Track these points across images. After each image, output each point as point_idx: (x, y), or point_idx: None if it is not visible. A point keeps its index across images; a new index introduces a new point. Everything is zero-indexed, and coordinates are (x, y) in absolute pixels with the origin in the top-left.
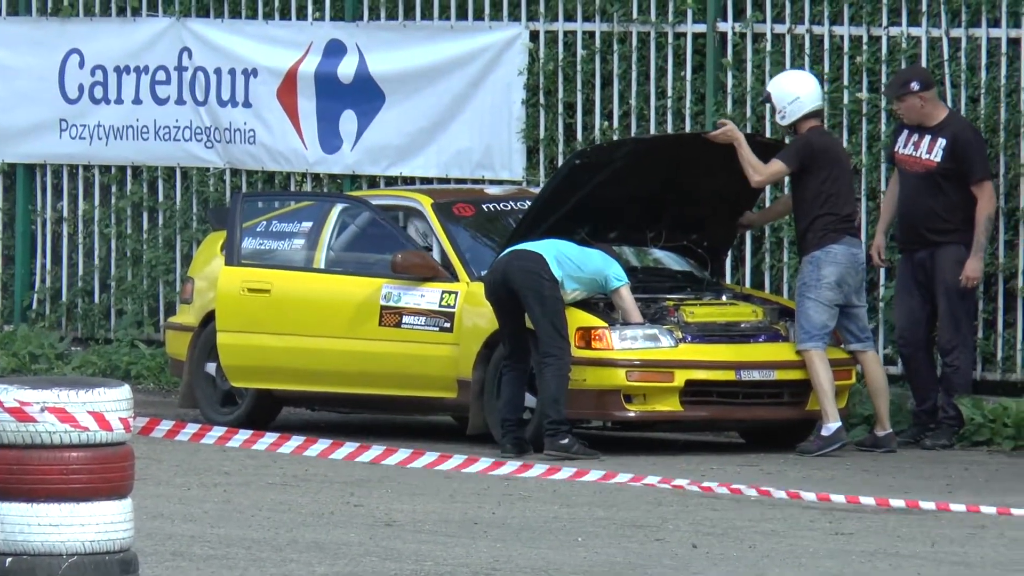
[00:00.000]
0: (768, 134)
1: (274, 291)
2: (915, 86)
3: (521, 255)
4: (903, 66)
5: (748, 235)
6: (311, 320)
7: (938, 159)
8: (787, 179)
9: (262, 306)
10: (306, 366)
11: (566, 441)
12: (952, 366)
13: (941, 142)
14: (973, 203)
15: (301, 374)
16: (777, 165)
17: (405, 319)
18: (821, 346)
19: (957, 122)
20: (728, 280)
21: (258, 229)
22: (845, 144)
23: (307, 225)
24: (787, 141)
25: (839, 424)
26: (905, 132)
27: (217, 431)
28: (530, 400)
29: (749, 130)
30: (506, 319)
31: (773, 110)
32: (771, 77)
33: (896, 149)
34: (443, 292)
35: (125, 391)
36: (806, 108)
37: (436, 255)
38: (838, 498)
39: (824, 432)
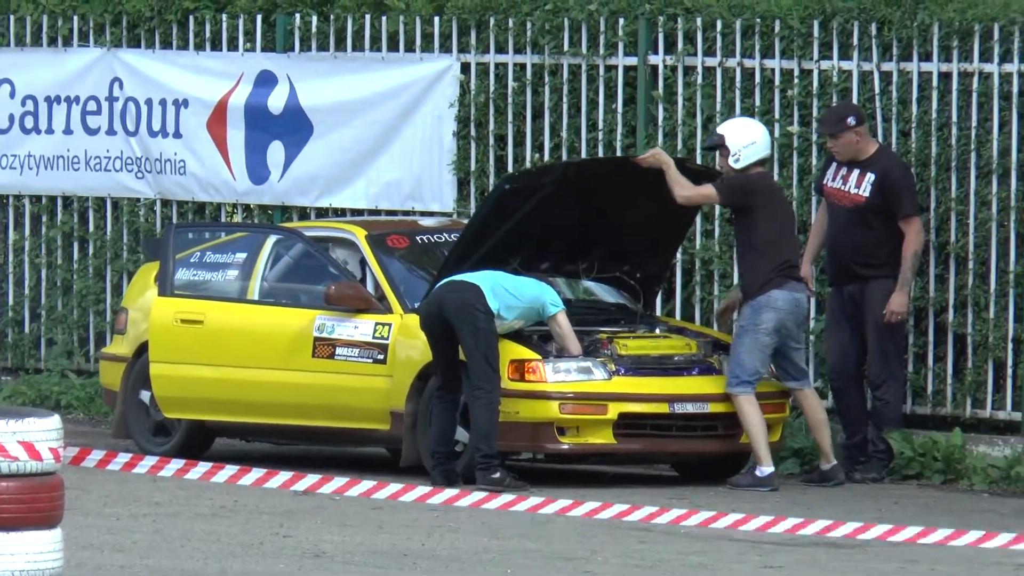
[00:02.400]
0: None
1: (207, 322)
2: (851, 121)
3: (457, 286)
4: (835, 100)
5: (679, 267)
6: (244, 351)
7: (867, 194)
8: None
9: (195, 337)
10: (239, 397)
11: (498, 475)
12: (882, 400)
13: (870, 177)
14: (902, 238)
15: (234, 405)
16: (708, 189)
17: (338, 351)
18: (750, 391)
19: (887, 157)
20: (658, 313)
21: (192, 260)
22: (776, 178)
23: (241, 256)
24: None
25: (773, 469)
26: (834, 165)
27: (148, 461)
28: (462, 434)
29: None
30: (440, 350)
31: (716, 152)
32: (702, 110)
33: (825, 182)
34: (376, 324)
35: (55, 421)
36: (761, 154)
37: (370, 287)
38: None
39: (758, 473)
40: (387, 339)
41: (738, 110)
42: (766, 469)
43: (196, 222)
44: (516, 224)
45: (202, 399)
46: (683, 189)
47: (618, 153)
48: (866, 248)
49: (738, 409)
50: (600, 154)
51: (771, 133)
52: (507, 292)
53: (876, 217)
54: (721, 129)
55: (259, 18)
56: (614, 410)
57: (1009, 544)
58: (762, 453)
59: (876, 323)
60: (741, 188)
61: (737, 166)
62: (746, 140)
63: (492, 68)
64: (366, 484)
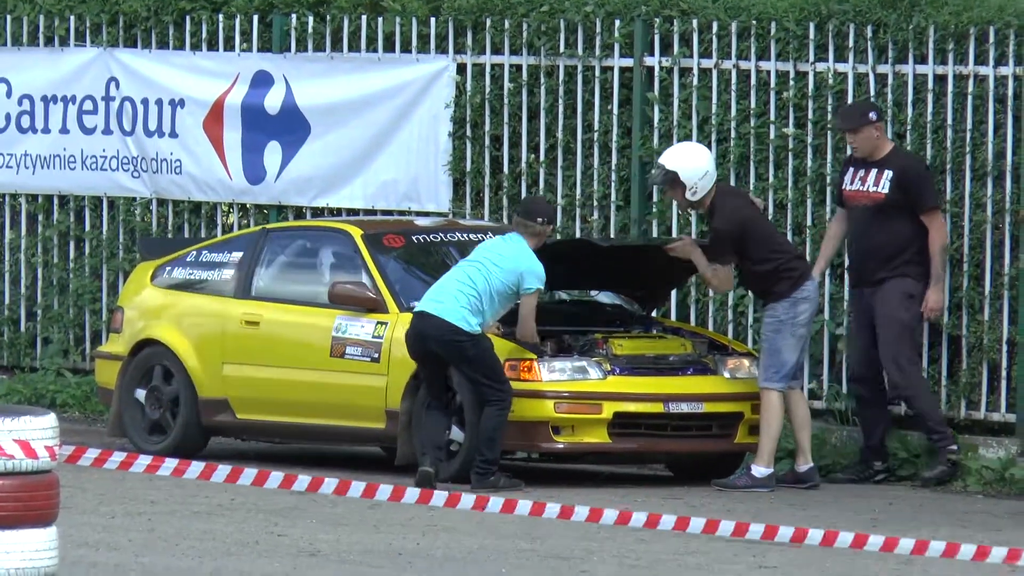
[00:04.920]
0: None
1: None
2: (872, 116)
3: (434, 323)
4: (830, 102)
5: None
6: (262, 350)
7: (886, 190)
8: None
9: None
10: (268, 396)
11: (492, 478)
12: (908, 398)
13: (888, 174)
14: (921, 236)
15: (262, 404)
16: (724, 271)
17: (348, 350)
18: (784, 387)
19: (903, 154)
20: (654, 314)
21: (197, 259)
22: (771, 179)
23: (238, 255)
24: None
25: (771, 471)
26: (851, 170)
27: (144, 459)
28: (457, 434)
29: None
30: (428, 370)
31: (668, 187)
32: (698, 112)
33: (844, 187)
34: (377, 323)
35: (51, 419)
36: (713, 178)
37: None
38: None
39: (755, 472)
40: (382, 338)
41: (733, 111)
42: (765, 470)
43: (287, 225)
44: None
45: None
46: (720, 283)
47: (613, 154)
48: (886, 247)
49: (766, 403)
50: (595, 155)
51: (767, 134)
52: (480, 302)
53: (896, 214)
54: (670, 164)
55: (255, 18)
56: (609, 409)
57: (1007, 561)
58: (767, 452)
59: (885, 326)
60: (729, 241)
61: (695, 199)
62: (699, 172)
63: (488, 69)
64: (360, 486)
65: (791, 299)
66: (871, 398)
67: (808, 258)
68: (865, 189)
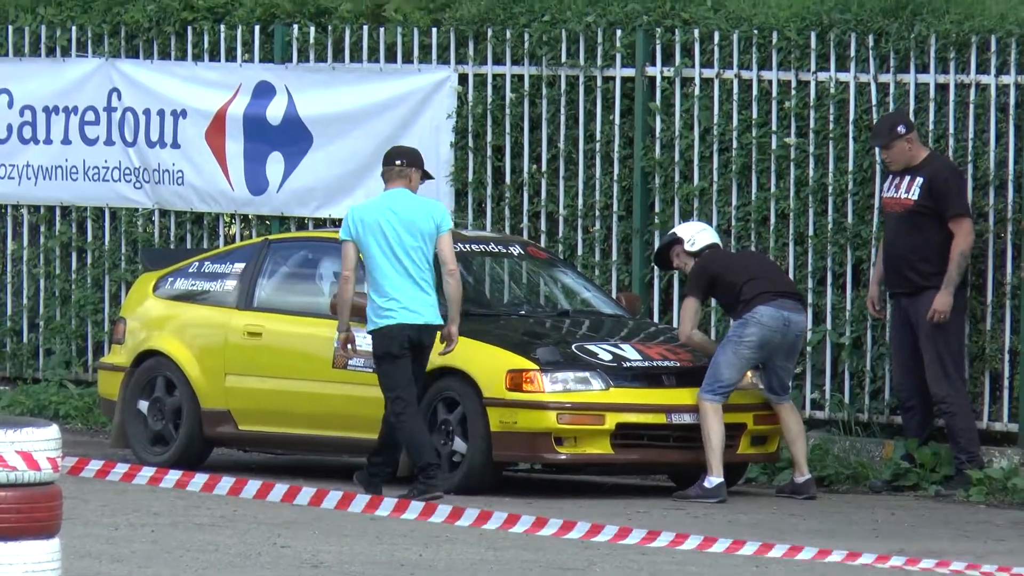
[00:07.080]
0: (697, 178)
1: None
2: (901, 129)
3: (430, 331)
4: (832, 111)
5: (676, 279)
6: (264, 361)
7: (915, 197)
8: None
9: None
10: (279, 408)
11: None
12: (948, 412)
13: (919, 180)
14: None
15: (269, 416)
16: (689, 303)
17: (352, 361)
18: (719, 401)
19: (936, 160)
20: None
21: (199, 270)
22: (773, 188)
23: (240, 266)
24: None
25: (721, 480)
26: (890, 177)
27: (147, 472)
28: (460, 445)
29: (677, 174)
30: (405, 368)
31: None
32: (699, 122)
33: (882, 194)
34: None
35: (53, 431)
36: (712, 238)
37: None
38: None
39: (707, 484)
40: None
41: (735, 121)
42: (715, 480)
43: (289, 236)
44: None
45: (270, 411)
46: (684, 331)
47: (615, 165)
48: (917, 253)
49: (702, 416)
50: (597, 165)
51: (770, 144)
52: (431, 272)
53: (926, 221)
54: (674, 229)
55: (257, 29)
56: (611, 420)
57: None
58: (714, 463)
59: (928, 335)
60: (698, 275)
61: (693, 249)
62: (697, 228)
63: (489, 79)
64: (363, 499)
65: (742, 320)
66: (914, 409)
67: (811, 267)
68: (898, 196)
